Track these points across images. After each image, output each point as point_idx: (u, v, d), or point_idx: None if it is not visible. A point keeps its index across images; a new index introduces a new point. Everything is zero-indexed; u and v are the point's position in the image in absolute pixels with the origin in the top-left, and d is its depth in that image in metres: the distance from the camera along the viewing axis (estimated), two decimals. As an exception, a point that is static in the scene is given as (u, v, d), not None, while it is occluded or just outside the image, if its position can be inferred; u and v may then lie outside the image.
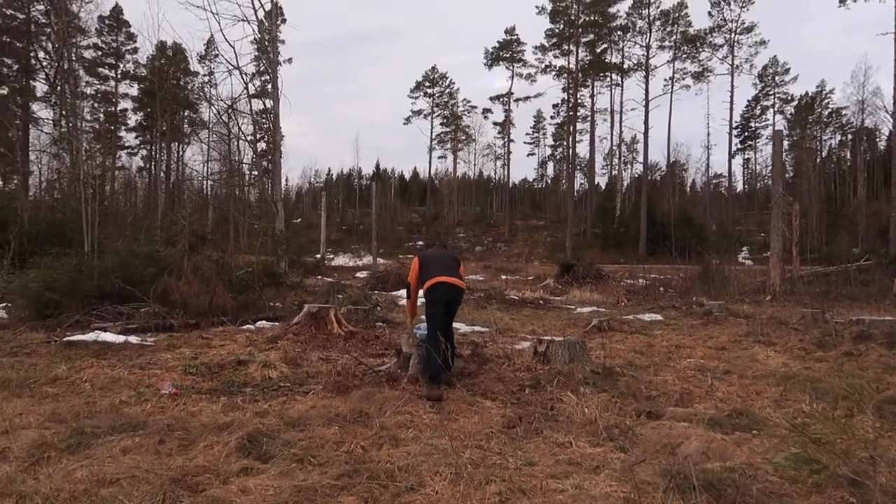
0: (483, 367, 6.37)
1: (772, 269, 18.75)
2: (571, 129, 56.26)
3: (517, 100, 61.67)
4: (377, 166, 78.49)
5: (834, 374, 6.95)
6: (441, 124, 70.67)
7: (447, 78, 69.00)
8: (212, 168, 53.95)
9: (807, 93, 67.49)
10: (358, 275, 33.25)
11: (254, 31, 19.81)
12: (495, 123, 69.58)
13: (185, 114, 56.65)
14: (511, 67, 59.64)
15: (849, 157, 69.89)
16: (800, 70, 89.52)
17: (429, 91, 69.31)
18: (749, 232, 57.54)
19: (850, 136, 69.25)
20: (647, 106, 49.79)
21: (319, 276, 22.19)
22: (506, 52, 59.19)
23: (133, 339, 8.58)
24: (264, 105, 21.81)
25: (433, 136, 69.73)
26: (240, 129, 22.79)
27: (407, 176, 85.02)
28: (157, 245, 11.74)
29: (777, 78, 66.77)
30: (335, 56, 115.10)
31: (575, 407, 5.11)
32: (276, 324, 10.85)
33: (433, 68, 68.91)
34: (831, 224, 50.78)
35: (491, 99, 65.37)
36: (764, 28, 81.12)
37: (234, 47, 18.91)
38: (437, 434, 4.43)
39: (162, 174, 57.57)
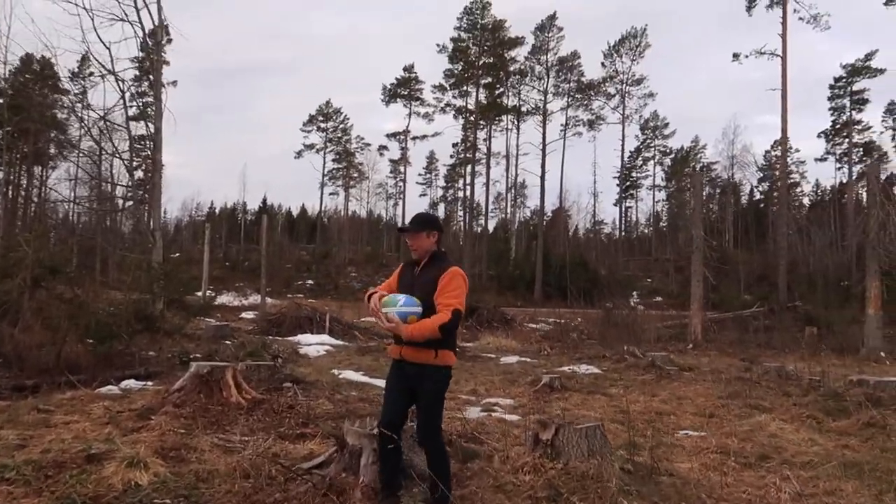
0: (466, 466, 4.43)
1: (693, 316, 18.06)
2: (471, 169, 55.75)
3: (414, 138, 60.65)
4: (264, 201, 74.52)
5: (887, 458, 5.59)
6: (333, 160, 68.41)
7: (341, 113, 67.11)
8: (80, 193, 48.52)
9: (682, 147, 71.25)
10: (243, 315, 30.17)
11: (135, 32, 17.14)
12: (392, 161, 68.20)
13: (52, 134, 50.94)
14: (409, 105, 58.66)
15: (715, 208, 74.00)
16: (676, 126, 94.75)
17: (322, 125, 67.01)
18: (636, 277, 59.01)
19: (718, 190, 73.39)
20: (544, 150, 50.10)
21: (200, 318, 19.30)
22: (404, 89, 58.21)
23: (-70, 413, 5.92)
24: (147, 126, 19.00)
25: (325, 172, 67.25)
26: (114, 145, 19.72)
27: (295, 212, 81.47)
28: (-13, 278, 8.94)
29: (657, 131, 69.98)
30: (219, 88, 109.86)
31: (634, 540, 3.29)
32: (149, 384, 8.36)
33: (327, 102, 66.83)
34: (715, 272, 52.77)
35: (387, 136, 63.92)
36: (651, 82, 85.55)
37: (109, 49, 16.15)
38: None
39: (21, 199, 51.28)
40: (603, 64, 54.66)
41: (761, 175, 71.46)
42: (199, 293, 15.94)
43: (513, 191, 59.99)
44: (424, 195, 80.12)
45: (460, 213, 76.51)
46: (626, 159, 68.92)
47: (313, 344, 14.81)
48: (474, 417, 7.23)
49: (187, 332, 13.05)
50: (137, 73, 35.86)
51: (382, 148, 66.59)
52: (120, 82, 17.23)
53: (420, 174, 76.22)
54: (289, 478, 4.30)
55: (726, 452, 5.60)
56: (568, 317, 29.72)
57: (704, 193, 77.01)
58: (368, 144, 68.09)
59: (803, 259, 49.47)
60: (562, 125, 54.38)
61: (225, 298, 38.36)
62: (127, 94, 18.02)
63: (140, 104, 33.29)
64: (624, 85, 55.00)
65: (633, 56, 54.03)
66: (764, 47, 32.54)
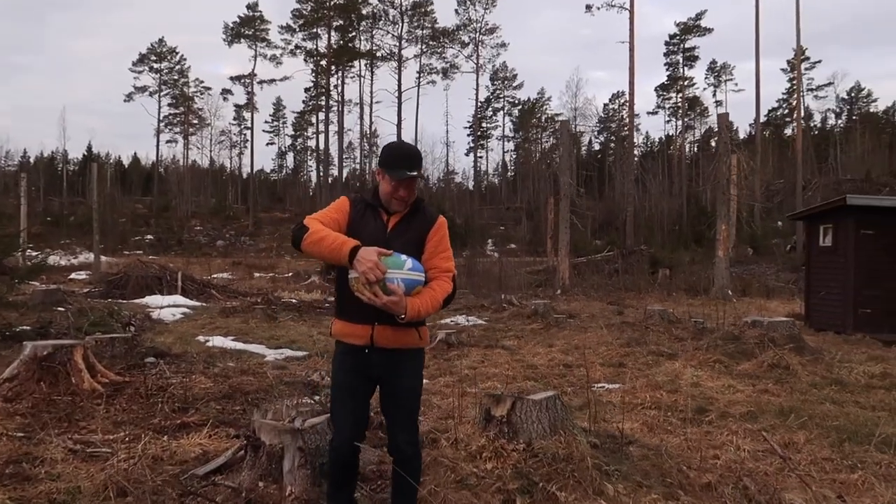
0: (413, 456, 3.66)
1: (561, 262, 18.31)
2: (324, 117, 53.43)
3: (261, 82, 56.89)
4: (89, 149, 66.99)
5: (809, 401, 5.55)
6: (170, 105, 62.75)
7: (177, 53, 61.37)
8: None
9: (529, 98, 73.13)
10: (74, 276, 27.04)
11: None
12: (236, 106, 63.75)
13: None
14: (254, 47, 54.74)
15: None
16: (524, 78, 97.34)
17: (155, 66, 60.99)
18: (489, 225, 60.30)
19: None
20: (399, 97, 49.13)
21: (23, 282, 16.59)
22: (247, 28, 54.10)
23: None
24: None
25: (160, 118, 61.65)
26: None
27: (126, 162, 74.19)
28: None
29: (506, 82, 71.04)
30: (28, 23, 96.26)
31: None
32: (-36, 368, 6.72)
33: (161, 41, 60.80)
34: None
35: (231, 79, 59.33)
36: (504, 32, 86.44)
37: None
38: None
39: None
40: (457, 11, 54.10)
41: (601, 126, 75.10)
42: (20, 252, 13.45)
43: (366, 139, 58.49)
44: (272, 143, 76.46)
45: (310, 162, 73.97)
46: (475, 110, 69.62)
47: (166, 307, 13.18)
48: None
49: (6, 301, 10.98)
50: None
51: (226, 92, 62.18)
52: None
53: (267, 121, 72.26)
54: (185, 491, 3.30)
55: (661, 408, 5.29)
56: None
57: (548, 144, 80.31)
58: (209, 88, 63.16)
59: (640, 205, 52.95)
60: (417, 73, 53.53)
61: (50, 258, 34.00)
62: None
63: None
64: (477, 34, 54.88)
65: (485, 4, 53.82)
66: (614, 0, 33.51)
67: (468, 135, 71.16)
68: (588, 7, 35.49)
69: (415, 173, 2.59)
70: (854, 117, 66.96)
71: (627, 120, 39.93)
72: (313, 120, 61.15)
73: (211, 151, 72.88)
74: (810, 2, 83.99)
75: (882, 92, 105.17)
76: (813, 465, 3.87)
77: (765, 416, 5.00)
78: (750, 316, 8.95)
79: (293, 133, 72.98)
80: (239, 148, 70.98)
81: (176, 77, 61.89)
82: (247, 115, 61.93)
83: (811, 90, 63.62)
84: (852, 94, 67.20)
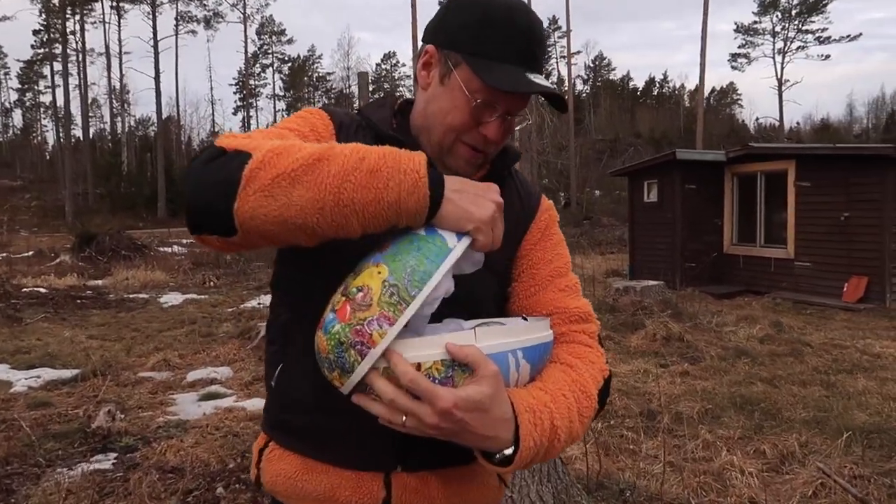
0: None
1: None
2: (62, 68, 45.28)
3: (-29, 22, 46.62)
4: None
5: (739, 382, 4.82)
6: None
7: None
8: None
9: (299, 55, 70.12)
10: None
11: None
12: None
13: None
14: (-42, -24, 44.59)
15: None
16: (293, 34, 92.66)
17: None
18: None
19: (333, 100, 74.77)
20: (156, 47, 43.18)
21: None
22: (-53, -47, 43.83)
23: None
24: None
25: None
26: None
27: None
28: None
29: (276, 37, 67.17)
30: None
31: None
32: None
33: None
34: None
35: (-74, 16, 47.88)
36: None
37: None
38: None
39: None
40: (217, -48, 48.90)
41: (374, 87, 74.29)
42: None
43: (121, 94, 51.17)
44: (-8, 98, 64.28)
45: (45, 121, 63.89)
46: (241, 66, 64.88)
47: None
48: (197, 417, 4.57)
49: None
50: None
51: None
52: None
53: (-15, 71, 60.32)
54: None
55: (615, 414, 4.17)
56: (205, 237, 26.30)
57: (320, 105, 77.83)
58: None
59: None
60: (175, 20, 47.62)
61: None
62: None
63: None
64: (243, -21, 50.30)
65: (250, -53, 49.34)
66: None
67: (235, 92, 66.25)
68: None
69: (545, 83, 0.91)
70: (598, 84, 73.85)
71: (408, 76, 39.16)
72: (46, 71, 52.19)
73: None
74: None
75: (618, 62, 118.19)
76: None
77: (726, 413, 4.11)
78: (622, 282, 8.36)
79: (20, 86, 62.03)
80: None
81: None
82: (-47, 62, 50.89)
83: (563, 58, 68.73)
84: (596, 63, 74.08)
